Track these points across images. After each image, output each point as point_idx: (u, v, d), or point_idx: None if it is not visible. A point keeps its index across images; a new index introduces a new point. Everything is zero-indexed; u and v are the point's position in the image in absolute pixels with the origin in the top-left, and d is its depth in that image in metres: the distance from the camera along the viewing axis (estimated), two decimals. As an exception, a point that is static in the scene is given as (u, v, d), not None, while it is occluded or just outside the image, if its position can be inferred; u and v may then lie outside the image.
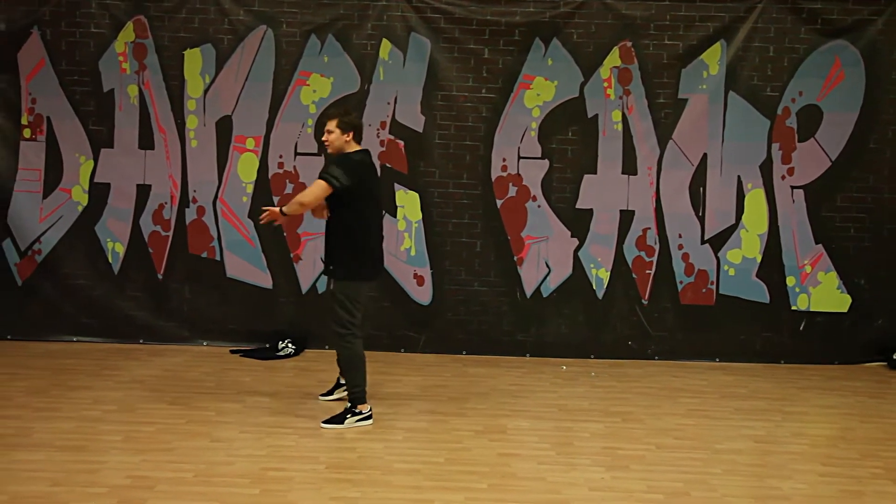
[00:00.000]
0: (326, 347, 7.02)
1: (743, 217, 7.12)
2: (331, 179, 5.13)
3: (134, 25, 7.03)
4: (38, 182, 7.10)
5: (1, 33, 6.97)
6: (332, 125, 5.27)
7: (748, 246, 7.15)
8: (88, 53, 7.04)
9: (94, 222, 7.14)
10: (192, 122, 7.12)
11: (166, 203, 7.13)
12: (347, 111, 5.44)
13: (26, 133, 7.09)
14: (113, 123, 7.09)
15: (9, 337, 7.06)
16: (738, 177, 7.12)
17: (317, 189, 5.17)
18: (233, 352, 6.99)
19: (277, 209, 5.35)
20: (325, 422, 5.19)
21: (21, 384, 5.90)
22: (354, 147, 5.31)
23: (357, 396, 5.25)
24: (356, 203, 5.20)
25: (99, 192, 7.13)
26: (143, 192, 7.13)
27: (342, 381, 5.61)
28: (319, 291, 7.11)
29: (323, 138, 5.36)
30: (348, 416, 5.21)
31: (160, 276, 7.17)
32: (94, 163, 7.11)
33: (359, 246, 5.25)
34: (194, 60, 7.07)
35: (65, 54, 7.04)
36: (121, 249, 7.16)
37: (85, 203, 7.13)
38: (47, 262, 7.11)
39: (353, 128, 5.29)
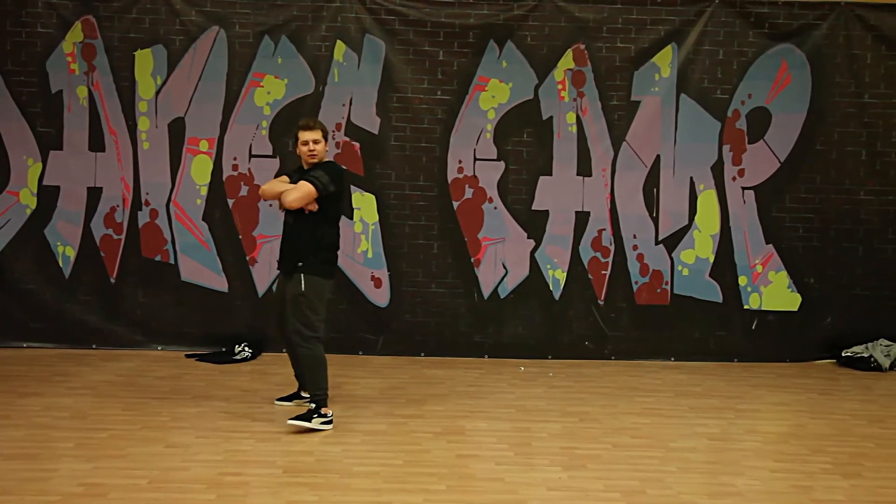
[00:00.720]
0: (283, 350, 6.95)
1: (696, 218, 7.24)
2: (318, 185, 5.14)
3: (82, 25, 6.91)
4: (-15, 185, 6.94)
5: (-56, 32, 6.80)
6: (318, 136, 5.23)
7: (701, 246, 7.26)
8: (35, 54, 6.90)
9: (43, 225, 6.99)
10: (143, 124, 7.01)
11: (118, 206, 7.02)
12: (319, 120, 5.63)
13: (-29, 135, 6.92)
14: (62, 125, 6.96)
15: (-46, 344, 6.89)
16: (691, 178, 7.23)
17: (304, 191, 5.13)
18: (188, 356, 6.90)
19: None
20: (292, 418, 5.14)
21: (-33, 392, 5.75)
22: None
23: (321, 399, 5.21)
24: (333, 207, 5.28)
25: (48, 195, 6.99)
26: (94, 194, 7.01)
27: (304, 395, 5.57)
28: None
29: (308, 147, 5.22)
30: (315, 416, 5.16)
31: (113, 280, 7.05)
32: (43, 165, 6.97)
33: (330, 245, 5.29)
34: (145, 61, 6.97)
35: (10, 54, 6.88)
36: (72, 253, 7.02)
37: (34, 206, 6.99)
38: (-6, 267, 6.95)
39: (328, 138, 5.41)
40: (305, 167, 5.31)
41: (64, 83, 6.93)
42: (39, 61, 6.90)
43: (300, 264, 5.22)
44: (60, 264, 7.02)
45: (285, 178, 5.40)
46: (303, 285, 5.19)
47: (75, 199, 7.00)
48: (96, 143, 6.99)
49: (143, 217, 7.04)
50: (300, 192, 5.15)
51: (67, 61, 6.91)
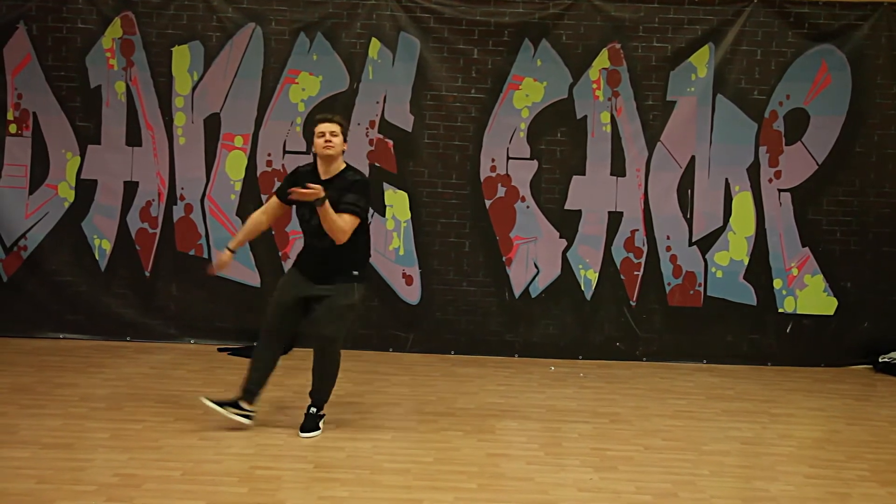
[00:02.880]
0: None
1: (730, 219, 7.16)
2: (360, 213, 4.91)
3: (121, 21, 6.99)
4: (24, 178, 7.05)
5: (-13, 28, 6.92)
6: (337, 129, 4.94)
7: (735, 248, 7.18)
8: (75, 49, 6.99)
9: (80, 219, 7.09)
10: (179, 119, 7.08)
11: (154, 200, 7.09)
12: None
13: (12, 129, 7.04)
14: (100, 120, 7.05)
15: (-6, 333, 7.02)
16: (726, 179, 7.16)
17: (350, 225, 4.86)
18: (220, 350, 6.96)
19: (322, 194, 4.76)
20: (304, 433, 5.02)
21: (6, 381, 5.84)
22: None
23: (324, 402, 5.13)
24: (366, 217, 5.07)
25: (86, 189, 7.08)
26: (131, 188, 7.09)
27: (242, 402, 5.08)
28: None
29: (324, 139, 4.90)
30: (320, 422, 5.11)
31: (147, 274, 7.13)
32: (81, 159, 7.07)
33: (367, 252, 5.15)
34: (182, 57, 7.03)
35: (51, 50, 6.99)
36: (108, 246, 7.11)
37: (71, 199, 7.08)
38: (33, 259, 7.06)
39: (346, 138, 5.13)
40: (320, 162, 4.99)
41: (103, 78, 7.02)
42: (79, 57, 7.00)
43: (355, 273, 4.99)
44: (97, 257, 7.12)
45: (275, 201, 5.06)
46: (356, 296, 5.01)
47: (112, 193, 7.09)
48: (133, 137, 7.07)
49: (178, 211, 7.11)
50: (347, 227, 4.83)
51: (106, 57, 7.00)
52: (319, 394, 5.09)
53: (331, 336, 4.99)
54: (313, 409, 5.07)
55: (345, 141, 5.01)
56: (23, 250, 7.06)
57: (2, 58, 6.98)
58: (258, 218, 5.18)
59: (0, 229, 7.04)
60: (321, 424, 5.08)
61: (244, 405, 5.06)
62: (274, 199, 5.14)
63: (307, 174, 5.02)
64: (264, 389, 5.14)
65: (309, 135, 7.04)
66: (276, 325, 5.09)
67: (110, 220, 7.10)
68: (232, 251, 5.11)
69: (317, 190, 4.73)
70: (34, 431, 4.89)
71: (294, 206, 5.09)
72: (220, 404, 5.03)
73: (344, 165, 5.03)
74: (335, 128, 4.96)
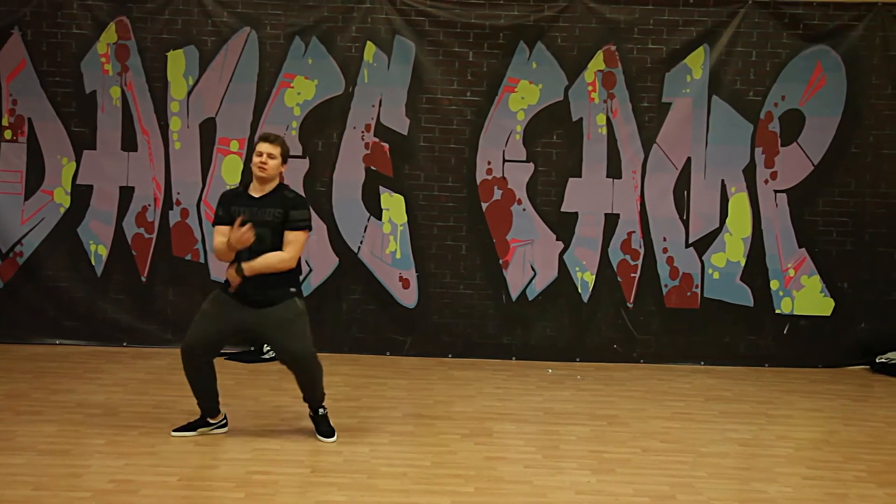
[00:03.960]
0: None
1: (727, 221, 7.16)
2: (308, 226, 4.95)
3: (116, 26, 6.98)
4: (20, 184, 7.03)
5: (-19, 33, 6.91)
6: (275, 150, 4.83)
7: (732, 250, 7.19)
8: (70, 54, 6.98)
9: (76, 224, 7.07)
10: (175, 124, 7.07)
11: (150, 205, 7.08)
12: (286, 140, 5.03)
13: (7, 134, 7.03)
14: (95, 125, 7.03)
15: (-11, 340, 7.00)
16: (722, 181, 7.16)
17: (301, 243, 4.89)
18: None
19: (234, 272, 4.83)
20: (324, 437, 5.02)
21: (2, 387, 5.83)
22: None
23: (321, 399, 5.11)
24: None
25: (81, 194, 7.07)
26: (127, 194, 7.08)
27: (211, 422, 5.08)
28: (304, 294, 7.05)
29: (260, 160, 4.80)
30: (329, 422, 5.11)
31: (144, 279, 7.12)
32: (77, 164, 7.05)
33: (300, 269, 5.11)
34: (177, 62, 7.03)
35: (46, 55, 6.98)
36: (104, 252, 7.10)
37: (67, 205, 7.07)
38: (29, 265, 7.04)
39: (286, 161, 4.96)
40: (254, 181, 4.88)
41: (98, 83, 7.01)
42: (74, 62, 6.98)
43: (292, 290, 4.95)
44: (93, 262, 7.10)
45: (226, 228, 4.80)
46: (300, 305, 4.96)
47: (108, 199, 7.08)
48: (129, 142, 7.06)
49: (174, 216, 7.10)
50: (299, 246, 4.86)
51: (101, 62, 6.99)
52: (317, 396, 5.08)
53: (302, 353, 4.91)
54: (321, 411, 5.07)
55: (283, 163, 4.90)
56: (19, 256, 7.04)
57: (-4, 63, 6.98)
58: (221, 245, 4.90)
59: (-5, 235, 7.04)
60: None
61: (211, 420, 5.07)
62: (222, 228, 4.86)
63: (239, 195, 4.93)
64: (220, 394, 5.11)
65: (304, 139, 7.05)
66: (203, 354, 4.93)
67: (106, 225, 7.09)
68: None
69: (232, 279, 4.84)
70: (30, 438, 4.87)
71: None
72: (192, 427, 5.03)
73: (277, 183, 4.93)
74: (274, 150, 4.85)
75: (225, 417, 5.13)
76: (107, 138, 7.05)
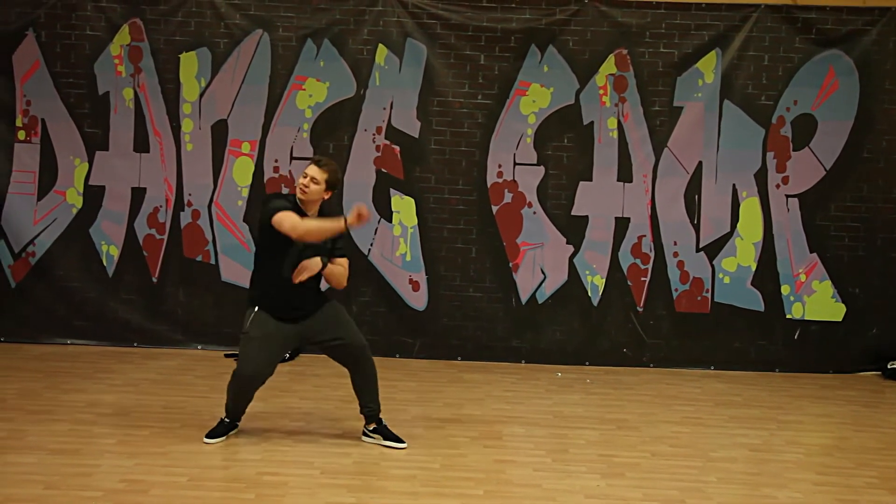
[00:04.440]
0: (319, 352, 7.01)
1: (738, 225, 7.14)
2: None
3: (129, 28, 7.02)
4: (33, 184, 7.07)
5: (-4, 35, 6.96)
6: (321, 176, 4.75)
7: (743, 254, 7.16)
8: (84, 56, 7.02)
9: (88, 225, 7.11)
10: (187, 126, 7.10)
11: (161, 206, 7.11)
12: (337, 170, 4.90)
13: (21, 135, 7.07)
14: (108, 126, 7.07)
15: (2, 339, 7.04)
16: (733, 185, 7.14)
17: (346, 267, 4.99)
18: (227, 356, 6.96)
19: (319, 260, 4.82)
20: (399, 442, 4.97)
21: (14, 387, 5.86)
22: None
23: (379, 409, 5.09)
24: None
25: (93, 195, 7.10)
26: (138, 195, 7.11)
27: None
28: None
29: (304, 182, 4.75)
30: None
31: (155, 280, 7.15)
32: (89, 165, 7.09)
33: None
34: (190, 64, 7.06)
35: (60, 56, 7.02)
36: (115, 252, 7.13)
37: (79, 205, 7.11)
38: (41, 265, 7.08)
39: (334, 189, 4.87)
40: (299, 201, 4.80)
41: (111, 85, 7.05)
42: (87, 63, 7.02)
43: (325, 295, 5.01)
44: (104, 263, 7.13)
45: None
46: (342, 306, 5.07)
47: (120, 199, 7.11)
48: (141, 143, 7.09)
49: (185, 218, 7.13)
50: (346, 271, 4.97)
51: (114, 63, 7.03)
52: (376, 398, 5.00)
53: (366, 344, 4.99)
54: (378, 414, 5.01)
55: (326, 190, 4.80)
56: (31, 256, 7.09)
57: (11, 65, 7.01)
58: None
59: (9, 235, 7.07)
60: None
61: (238, 423, 5.07)
62: (292, 214, 4.72)
63: (297, 208, 4.79)
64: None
65: (315, 141, 7.07)
66: (264, 379, 4.94)
67: (118, 226, 7.12)
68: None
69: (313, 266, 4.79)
70: (41, 437, 4.90)
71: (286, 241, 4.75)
72: (225, 433, 4.99)
73: (319, 208, 4.85)
74: (320, 175, 4.76)
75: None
76: (119, 139, 7.08)
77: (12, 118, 7.05)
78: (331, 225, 4.66)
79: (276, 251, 4.80)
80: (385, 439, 4.99)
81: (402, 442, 4.97)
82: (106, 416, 5.30)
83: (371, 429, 5.03)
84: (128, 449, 4.79)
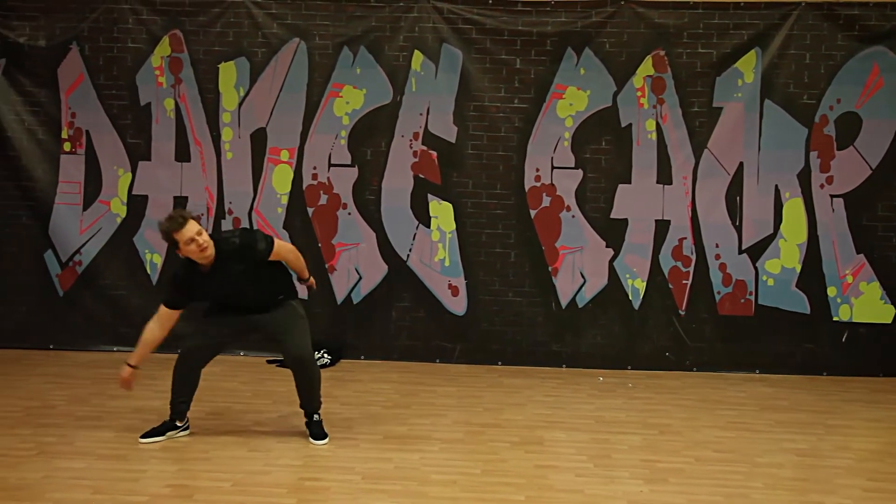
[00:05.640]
0: (362, 357, 7.06)
1: (781, 226, 7.03)
2: (271, 238, 5.07)
3: (170, 40, 7.13)
4: (78, 194, 7.21)
5: (41, 49, 7.10)
6: (198, 226, 4.78)
7: (787, 256, 7.04)
8: (126, 68, 7.15)
9: (132, 233, 7.23)
10: (227, 135, 7.19)
11: (203, 214, 7.20)
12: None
13: (66, 146, 7.21)
14: (150, 136, 7.18)
15: (51, 347, 7.17)
16: (776, 185, 7.03)
17: (284, 245, 5.17)
18: (269, 362, 7.02)
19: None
20: (317, 440, 5.10)
21: (63, 393, 5.98)
22: None
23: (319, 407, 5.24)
24: None
25: (137, 204, 7.22)
26: (180, 203, 7.21)
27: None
28: (354, 302, 7.13)
29: (197, 245, 4.72)
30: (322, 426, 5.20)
31: (196, 287, 7.22)
32: (132, 175, 7.21)
33: None
34: (229, 73, 7.15)
35: (103, 69, 7.15)
36: (158, 260, 7.24)
37: (123, 215, 7.23)
38: (87, 273, 7.21)
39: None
40: (202, 267, 4.82)
41: (152, 96, 7.17)
42: (129, 75, 7.14)
43: (280, 297, 5.08)
44: (148, 271, 7.24)
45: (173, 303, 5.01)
46: (300, 309, 5.15)
47: (162, 208, 7.20)
48: (182, 153, 7.19)
49: (226, 225, 7.21)
50: (287, 247, 5.20)
51: (155, 75, 7.15)
52: (316, 402, 5.19)
53: (307, 353, 5.13)
54: (315, 417, 5.19)
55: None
56: (78, 265, 7.22)
57: (56, 78, 7.16)
58: (154, 332, 5.06)
59: (56, 245, 7.21)
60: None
61: (179, 423, 5.17)
62: (165, 309, 5.02)
63: (192, 274, 4.88)
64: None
65: (353, 148, 7.10)
66: (202, 359, 5.19)
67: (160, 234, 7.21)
68: (133, 367, 5.06)
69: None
70: (90, 442, 4.99)
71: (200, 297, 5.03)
72: (161, 432, 5.09)
73: (213, 248, 4.80)
74: (197, 226, 4.74)
75: (188, 420, 5.22)
76: (161, 149, 7.19)
77: (58, 130, 7.20)
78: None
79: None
80: (309, 435, 5.12)
81: (324, 438, 5.08)
82: (152, 422, 5.36)
83: (305, 422, 5.18)
84: (172, 454, 4.85)
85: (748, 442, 5.33)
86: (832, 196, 7.01)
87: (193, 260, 4.81)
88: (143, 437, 5.07)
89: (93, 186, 7.21)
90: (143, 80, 7.15)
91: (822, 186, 7.02)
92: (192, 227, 4.71)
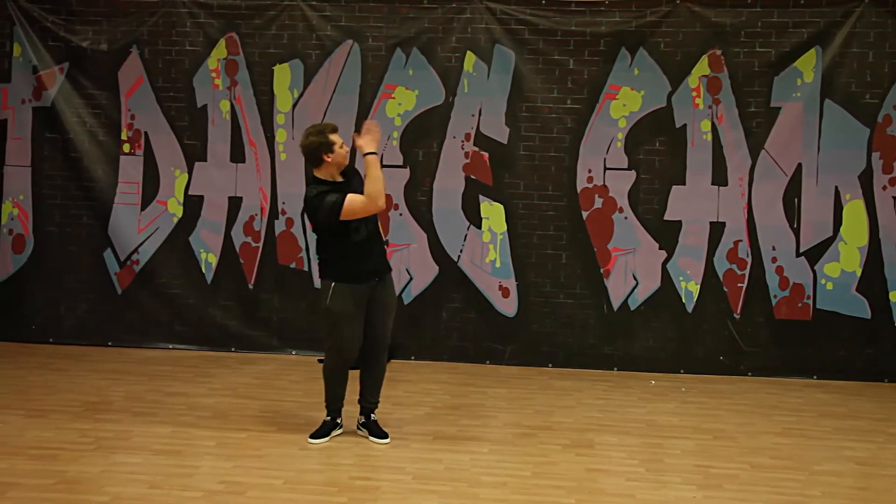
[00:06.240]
0: (412, 358, 7.07)
1: (841, 229, 6.85)
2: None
3: (226, 42, 7.24)
4: (137, 195, 7.37)
5: (103, 53, 7.28)
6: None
7: (847, 259, 6.87)
8: (183, 70, 7.28)
9: (188, 233, 7.36)
10: (281, 136, 7.27)
11: (256, 215, 7.30)
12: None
13: (126, 148, 7.38)
14: (206, 137, 7.31)
15: (109, 343, 7.34)
16: (836, 187, 6.86)
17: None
18: (321, 361, 7.05)
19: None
20: (381, 438, 5.14)
21: (121, 389, 6.12)
22: None
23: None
24: None
25: (193, 204, 7.35)
26: (235, 204, 7.32)
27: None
28: (405, 302, 7.15)
29: (345, 150, 5.01)
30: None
31: (251, 286, 7.34)
32: (189, 176, 7.34)
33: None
34: (283, 75, 7.23)
35: (161, 71, 7.30)
36: (213, 260, 7.36)
37: (180, 215, 7.37)
38: (145, 272, 7.37)
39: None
40: (336, 170, 5.00)
41: (209, 98, 7.29)
42: (187, 77, 7.28)
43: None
44: (203, 270, 7.37)
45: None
46: (395, 289, 5.23)
47: (217, 209, 7.34)
48: (237, 154, 7.30)
49: (279, 226, 7.30)
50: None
51: (212, 77, 7.27)
52: (378, 396, 5.23)
53: (388, 337, 5.19)
54: (373, 416, 5.23)
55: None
56: (135, 264, 7.38)
57: (116, 81, 7.33)
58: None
59: (115, 244, 7.38)
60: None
61: (339, 420, 5.25)
62: (353, 196, 4.87)
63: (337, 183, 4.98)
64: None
65: (405, 149, 7.12)
66: (356, 337, 5.08)
67: (216, 234, 7.35)
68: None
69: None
70: (146, 438, 5.09)
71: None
72: (327, 433, 5.15)
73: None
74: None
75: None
76: (216, 150, 7.31)
77: (118, 132, 7.37)
78: (373, 171, 4.85)
79: (344, 226, 4.89)
80: (371, 435, 5.13)
81: (386, 437, 5.10)
82: (206, 419, 5.47)
83: (361, 422, 5.19)
84: (226, 451, 4.92)
85: (806, 449, 5.21)
86: (895, 198, 6.82)
87: (325, 181, 4.95)
88: (312, 438, 5.11)
89: (150, 187, 7.36)
90: (199, 83, 7.28)
91: (884, 188, 6.83)
92: (337, 137, 4.97)
